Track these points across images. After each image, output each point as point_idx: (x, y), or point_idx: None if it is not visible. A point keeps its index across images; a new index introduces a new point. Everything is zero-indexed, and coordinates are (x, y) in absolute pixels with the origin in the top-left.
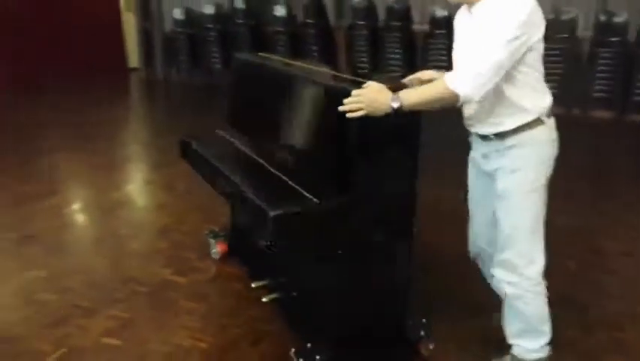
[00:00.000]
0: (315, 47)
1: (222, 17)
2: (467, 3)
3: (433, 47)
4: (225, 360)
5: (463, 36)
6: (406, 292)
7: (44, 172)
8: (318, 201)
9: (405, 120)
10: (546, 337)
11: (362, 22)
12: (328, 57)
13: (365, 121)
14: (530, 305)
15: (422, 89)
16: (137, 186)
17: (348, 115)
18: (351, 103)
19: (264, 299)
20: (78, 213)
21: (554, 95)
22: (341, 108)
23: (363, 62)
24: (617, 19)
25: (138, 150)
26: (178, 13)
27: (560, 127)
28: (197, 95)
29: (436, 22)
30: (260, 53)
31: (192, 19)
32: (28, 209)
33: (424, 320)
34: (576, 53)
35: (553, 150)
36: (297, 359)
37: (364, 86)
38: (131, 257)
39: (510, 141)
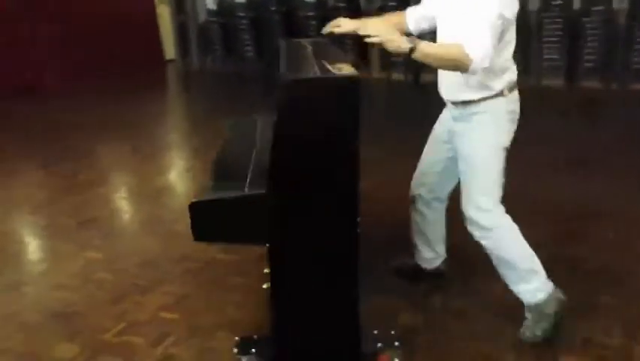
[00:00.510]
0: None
1: (254, 5)
2: None
3: None
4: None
5: (445, 6)
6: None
7: (92, 163)
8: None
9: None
10: (539, 274)
11: (393, 4)
12: (360, 40)
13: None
14: (505, 250)
15: (440, 45)
16: (178, 172)
17: (365, 39)
18: (369, 31)
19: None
20: (126, 199)
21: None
22: (362, 33)
23: None
24: None
25: (177, 138)
26: (211, 3)
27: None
28: (230, 84)
29: None
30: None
31: (225, 8)
32: (82, 197)
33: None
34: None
35: (511, 120)
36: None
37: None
38: (179, 239)
39: (473, 108)
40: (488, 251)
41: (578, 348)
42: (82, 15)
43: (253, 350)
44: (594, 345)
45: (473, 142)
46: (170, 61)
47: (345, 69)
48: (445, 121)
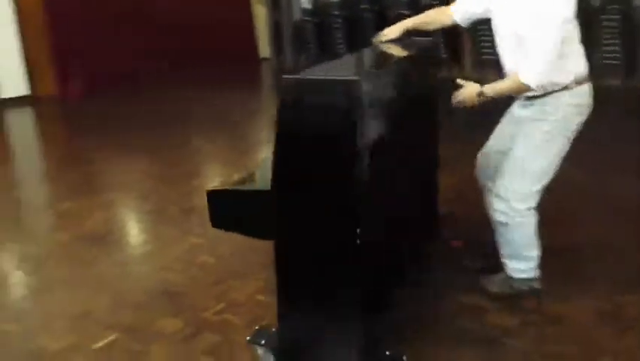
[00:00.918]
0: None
1: (348, 3)
2: None
3: None
4: None
5: (507, 15)
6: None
7: (190, 156)
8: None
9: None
10: (532, 262)
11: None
12: (451, 41)
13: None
14: (515, 233)
15: (501, 84)
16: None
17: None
18: (456, 100)
19: None
20: None
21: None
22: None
23: (487, 47)
24: None
25: (270, 135)
26: (306, 2)
27: None
28: None
29: None
30: None
31: (319, 7)
32: (183, 187)
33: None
34: None
35: (577, 113)
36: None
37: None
38: None
39: (538, 101)
40: (500, 226)
41: None
42: (182, 13)
43: (263, 341)
44: None
45: (534, 129)
46: (265, 59)
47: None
48: (511, 114)
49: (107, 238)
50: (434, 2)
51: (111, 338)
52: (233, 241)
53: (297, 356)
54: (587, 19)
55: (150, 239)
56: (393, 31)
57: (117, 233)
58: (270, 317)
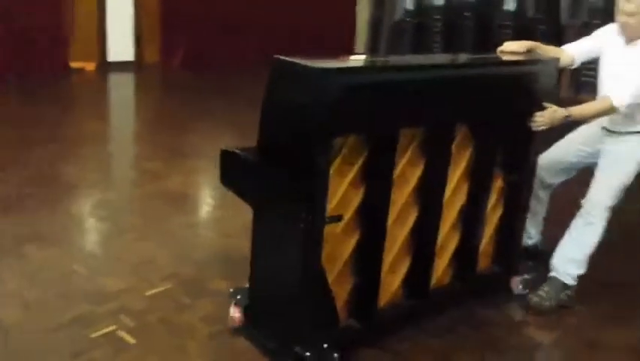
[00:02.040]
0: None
1: (450, 9)
2: (633, 38)
3: None
4: None
5: (617, 60)
6: None
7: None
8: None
9: None
10: (583, 269)
11: (597, 22)
12: None
13: None
14: (588, 241)
15: (589, 106)
16: None
17: (534, 129)
18: (539, 122)
19: None
20: None
21: None
22: (534, 126)
23: (586, 69)
24: None
25: None
26: (409, 3)
27: None
28: None
29: None
30: None
31: (422, 9)
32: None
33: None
34: None
35: None
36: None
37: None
38: None
39: (626, 136)
40: (573, 231)
41: None
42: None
43: (238, 296)
44: None
45: (621, 152)
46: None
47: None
48: (594, 134)
49: (182, 200)
50: (538, 16)
51: (165, 287)
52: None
53: (262, 313)
54: None
55: (222, 206)
56: (517, 45)
57: (192, 196)
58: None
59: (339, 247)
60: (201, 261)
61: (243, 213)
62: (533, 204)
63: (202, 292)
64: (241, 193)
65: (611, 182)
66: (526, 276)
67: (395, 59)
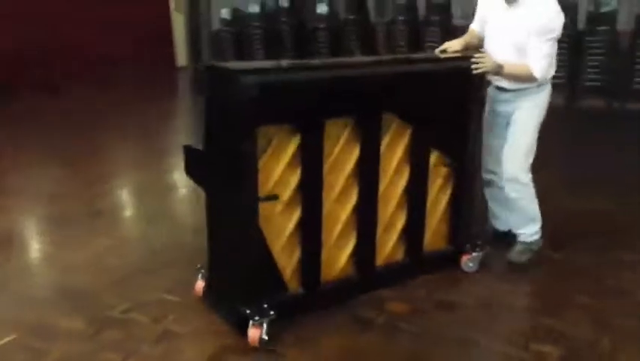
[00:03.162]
0: (355, 43)
1: (267, 16)
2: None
3: None
4: None
5: (502, 22)
6: None
7: (104, 160)
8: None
9: None
10: (539, 222)
11: (402, 18)
12: (369, 53)
13: None
14: (526, 201)
15: (516, 66)
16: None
17: (476, 71)
18: (481, 60)
19: None
20: (138, 193)
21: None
22: (474, 62)
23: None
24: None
25: (185, 140)
26: (225, 13)
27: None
28: None
29: None
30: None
31: (239, 18)
32: (94, 190)
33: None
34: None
35: (547, 102)
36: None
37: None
38: (182, 229)
39: (523, 91)
40: (513, 201)
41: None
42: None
43: (202, 270)
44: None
45: (524, 117)
46: (182, 68)
47: None
48: (497, 107)
49: (10, 241)
50: (350, 17)
51: (11, 337)
52: (140, 243)
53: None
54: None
55: (55, 241)
56: (454, 45)
57: (20, 236)
58: (175, 315)
59: (282, 222)
60: (44, 301)
61: (79, 246)
62: (495, 192)
63: (54, 335)
64: (198, 181)
65: (519, 155)
66: (474, 254)
67: (310, 62)
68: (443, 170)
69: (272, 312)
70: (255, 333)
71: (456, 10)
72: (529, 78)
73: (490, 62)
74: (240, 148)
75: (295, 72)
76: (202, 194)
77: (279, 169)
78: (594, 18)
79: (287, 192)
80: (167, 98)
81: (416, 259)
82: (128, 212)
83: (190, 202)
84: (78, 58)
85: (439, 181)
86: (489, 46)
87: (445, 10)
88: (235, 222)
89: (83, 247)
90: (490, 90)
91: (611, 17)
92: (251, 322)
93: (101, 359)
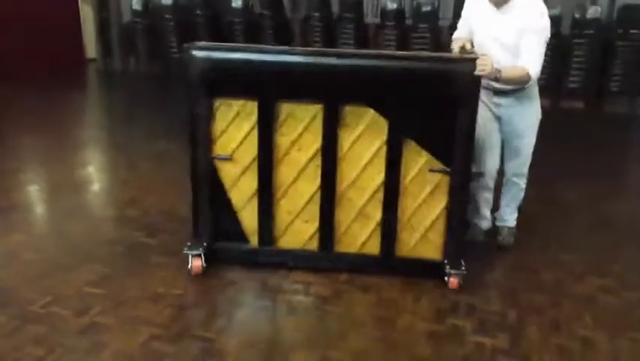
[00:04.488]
0: (271, 38)
1: (180, 8)
2: (501, 3)
3: (384, 37)
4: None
5: (491, 26)
6: None
7: (11, 154)
8: None
9: None
10: (517, 212)
11: (316, 14)
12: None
13: None
14: (522, 192)
15: (512, 70)
16: (100, 164)
17: (479, 73)
18: (483, 65)
19: None
20: (50, 187)
21: None
22: (479, 68)
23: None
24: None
25: (98, 134)
26: (136, 4)
27: None
28: (154, 84)
29: (386, 15)
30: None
31: (150, 9)
32: (6, 183)
33: None
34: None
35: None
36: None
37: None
38: (103, 224)
39: (520, 92)
40: (518, 193)
41: None
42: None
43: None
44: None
45: (528, 115)
46: (92, 60)
47: None
48: (490, 107)
49: None
50: (265, 12)
51: None
52: (57, 237)
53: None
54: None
55: None
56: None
57: None
58: (100, 307)
59: (244, 185)
60: None
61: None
62: (487, 193)
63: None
64: None
65: (528, 152)
66: (457, 272)
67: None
68: (435, 176)
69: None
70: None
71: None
72: (525, 78)
73: (491, 66)
74: (194, 113)
75: (249, 52)
76: (114, 189)
77: (239, 136)
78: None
79: (247, 158)
80: (77, 92)
81: (388, 257)
82: (42, 207)
83: (105, 196)
84: None
85: (428, 187)
86: (479, 52)
87: (357, 8)
88: (198, 176)
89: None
90: (484, 93)
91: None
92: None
93: (24, 354)
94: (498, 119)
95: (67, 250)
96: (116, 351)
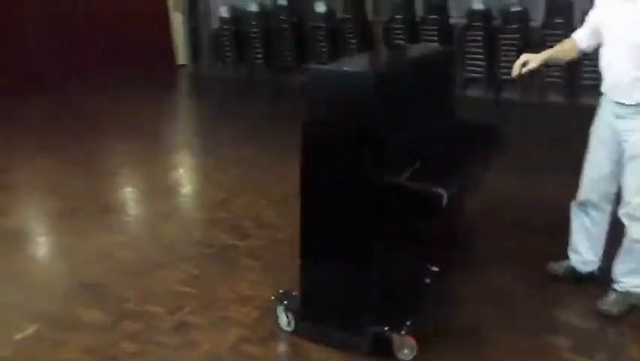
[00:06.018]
0: (353, 42)
1: (265, 14)
2: None
3: (470, 38)
4: None
5: (622, 23)
6: None
7: (107, 157)
8: None
9: None
10: None
11: (399, 17)
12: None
13: None
14: None
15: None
16: (192, 167)
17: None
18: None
19: None
20: (144, 190)
21: None
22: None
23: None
24: None
25: (189, 139)
26: (224, 12)
27: None
28: (240, 89)
29: (472, 15)
30: None
31: (237, 16)
32: (101, 186)
33: None
34: None
35: None
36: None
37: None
38: (193, 226)
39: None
40: (632, 242)
41: None
42: (98, 15)
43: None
44: None
45: None
46: (182, 66)
47: None
48: (606, 123)
49: (23, 235)
50: (347, 16)
51: (32, 328)
52: (150, 238)
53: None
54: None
55: (67, 236)
56: (533, 61)
57: (32, 230)
58: (190, 306)
59: None
60: (61, 293)
61: (91, 240)
62: (587, 222)
63: (73, 326)
64: None
65: None
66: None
67: None
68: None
69: None
70: None
71: (452, 9)
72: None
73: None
74: None
75: None
76: (202, 193)
77: None
78: None
79: None
80: (168, 97)
81: None
82: (137, 209)
83: (197, 198)
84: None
85: None
86: (606, 52)
87: (442, 8)
88: None
89: (95, 240)
90: (603, 104)
91: None
92: None
93: (120, 349)
94: (617, 137)
95: (161, 249)
96: (206, 351)
